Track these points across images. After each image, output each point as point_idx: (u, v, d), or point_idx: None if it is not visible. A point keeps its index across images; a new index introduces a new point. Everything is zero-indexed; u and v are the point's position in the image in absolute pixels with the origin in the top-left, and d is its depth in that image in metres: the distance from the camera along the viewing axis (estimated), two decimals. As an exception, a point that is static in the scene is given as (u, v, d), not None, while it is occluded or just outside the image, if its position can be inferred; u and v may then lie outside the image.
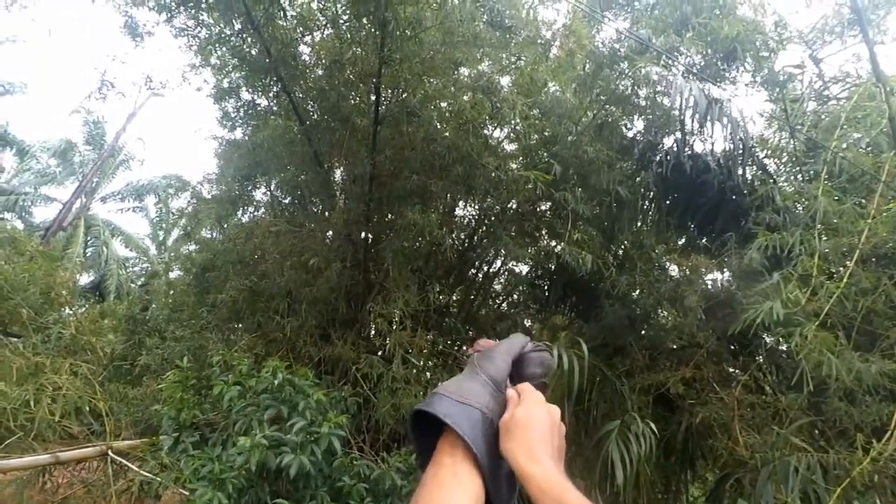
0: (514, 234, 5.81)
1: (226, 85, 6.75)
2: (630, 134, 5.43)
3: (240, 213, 7.26)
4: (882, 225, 3.29)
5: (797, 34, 4.48)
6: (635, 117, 5.39)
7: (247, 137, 7.16)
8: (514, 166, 5.60)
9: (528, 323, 6.53)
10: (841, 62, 4.49)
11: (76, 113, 18.03)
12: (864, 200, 3.60)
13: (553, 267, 5.79)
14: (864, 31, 3.75)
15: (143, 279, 9.10)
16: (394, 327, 5.21)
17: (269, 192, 7.47)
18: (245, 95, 6.77)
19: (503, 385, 0.80)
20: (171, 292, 7.18)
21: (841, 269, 3.45)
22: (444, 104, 5.77)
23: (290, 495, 3.97)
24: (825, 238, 3.50)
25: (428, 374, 5.41)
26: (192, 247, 7.94)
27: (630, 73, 4.87)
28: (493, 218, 6.10)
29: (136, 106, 17.37)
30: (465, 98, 5.47)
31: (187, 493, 3.81)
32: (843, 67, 4.52)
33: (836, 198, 3.64)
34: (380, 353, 5.29)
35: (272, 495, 3.94)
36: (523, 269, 6.49)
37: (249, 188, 7.28)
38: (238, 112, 6.99)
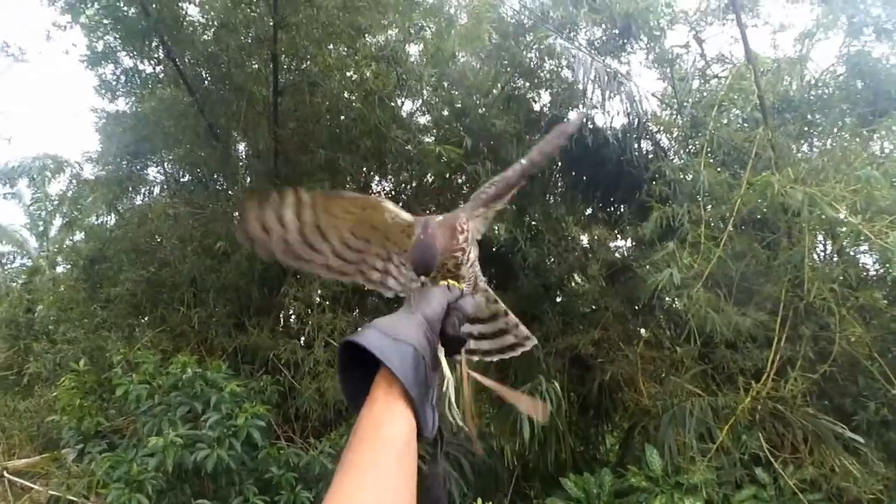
0: (432, 209, 5.80)
1: (100, 48, 5.90)
2: (537, 107, 5.53)
3: (130, 195, 6.58)
4: (752, 194, 3.66)
5: (683, 15, 4.74)
6: (542, 91, 5.49)
7: (131, 109, 6.42)
8: (427, 140, 5.53)
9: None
10: (721, 43, 4.87)
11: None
12: (741, 171, 3.98)
13: (471, 240, 5.88)
14: (738, 15, 4.04)
15: (23, 277, 8.03)
16: (313, 310, 5.09)
17: (163, 171, 6.80)
18: (126, 61, 5.99)
19: (437, 325, 0.83)
20: (61, 289, 6.43)
21: (724, 234, 3.82)
22: (349, 73, 5.51)
23: (216, 494, 3.85)
24: (709, 207, 3.85)
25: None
26: (78, 236, 7.11)
27: (535, 45, 4.91)
28: (409, 193, 6.03)
29: (-6, 75, 14.74)
30: (372, 67, 5.25)
31: (104, 504, 3.58)
32: (723, 48, 4.91)
33: (718, 169, 3.99)
34: (301, 339, 5.16)
35: (195, 496, 3.79)
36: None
37: (139, 167, 6.57)
38: (118, 80, 6.19)
